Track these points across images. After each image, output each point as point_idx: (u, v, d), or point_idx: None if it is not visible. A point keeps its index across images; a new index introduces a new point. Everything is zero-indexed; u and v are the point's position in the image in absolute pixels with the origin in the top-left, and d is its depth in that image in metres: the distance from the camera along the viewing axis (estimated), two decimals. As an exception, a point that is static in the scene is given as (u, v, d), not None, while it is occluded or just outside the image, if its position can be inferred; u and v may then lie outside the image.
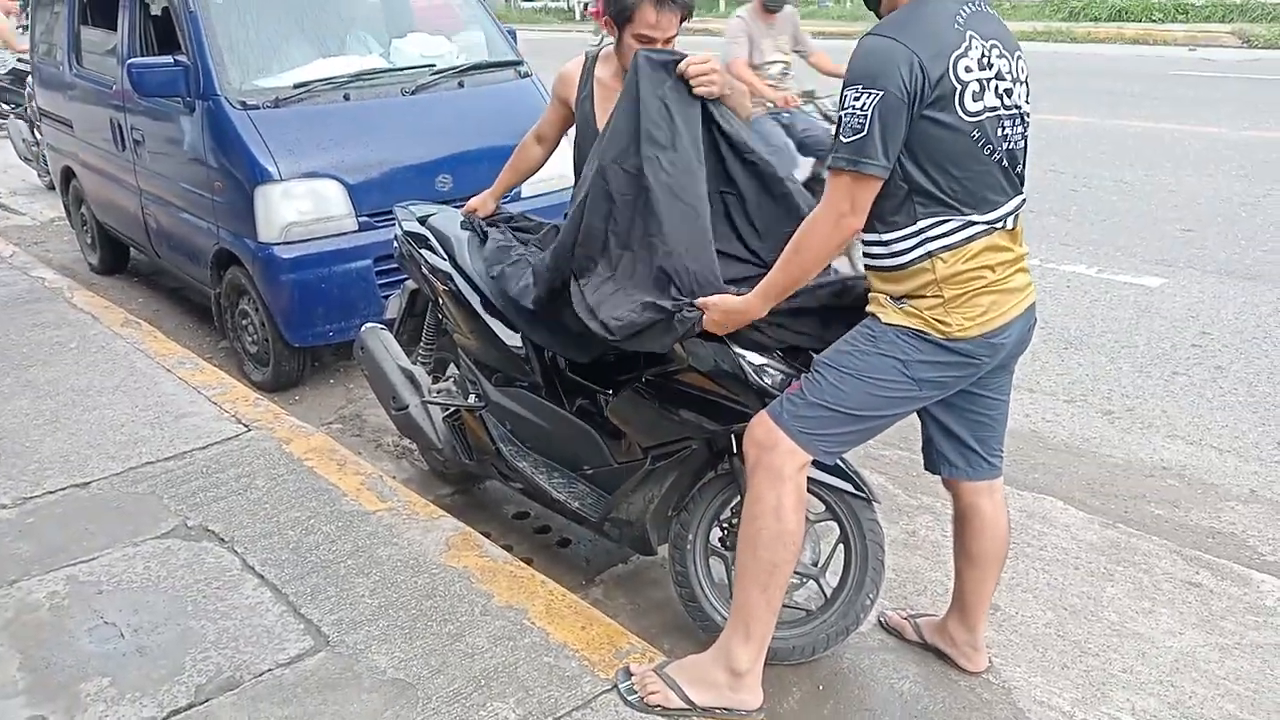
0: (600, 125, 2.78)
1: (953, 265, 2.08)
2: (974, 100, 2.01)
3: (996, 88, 2.04)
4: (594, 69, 2.90)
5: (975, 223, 2.08)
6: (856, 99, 1.97)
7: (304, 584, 2.80)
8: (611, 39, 2.75)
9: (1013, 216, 2.14)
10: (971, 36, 2.01)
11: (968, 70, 1.99)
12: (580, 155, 2.92)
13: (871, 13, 2.18)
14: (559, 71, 2.98)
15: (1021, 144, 2.14)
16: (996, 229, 2.11)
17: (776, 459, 2.18)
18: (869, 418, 2.20)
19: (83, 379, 4.23)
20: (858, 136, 1.97)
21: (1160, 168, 7.91)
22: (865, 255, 2.20)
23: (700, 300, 2.27)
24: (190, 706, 2.35)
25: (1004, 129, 2.07)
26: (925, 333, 2.12)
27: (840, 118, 2.01)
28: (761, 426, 2.22)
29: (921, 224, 2.07)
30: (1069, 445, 3.85)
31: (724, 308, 2.24)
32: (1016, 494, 3.44)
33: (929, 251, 2.08)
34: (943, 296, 2.10)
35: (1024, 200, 2.18)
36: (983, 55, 2.02)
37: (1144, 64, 13.95)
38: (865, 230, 2.13)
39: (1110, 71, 13.18)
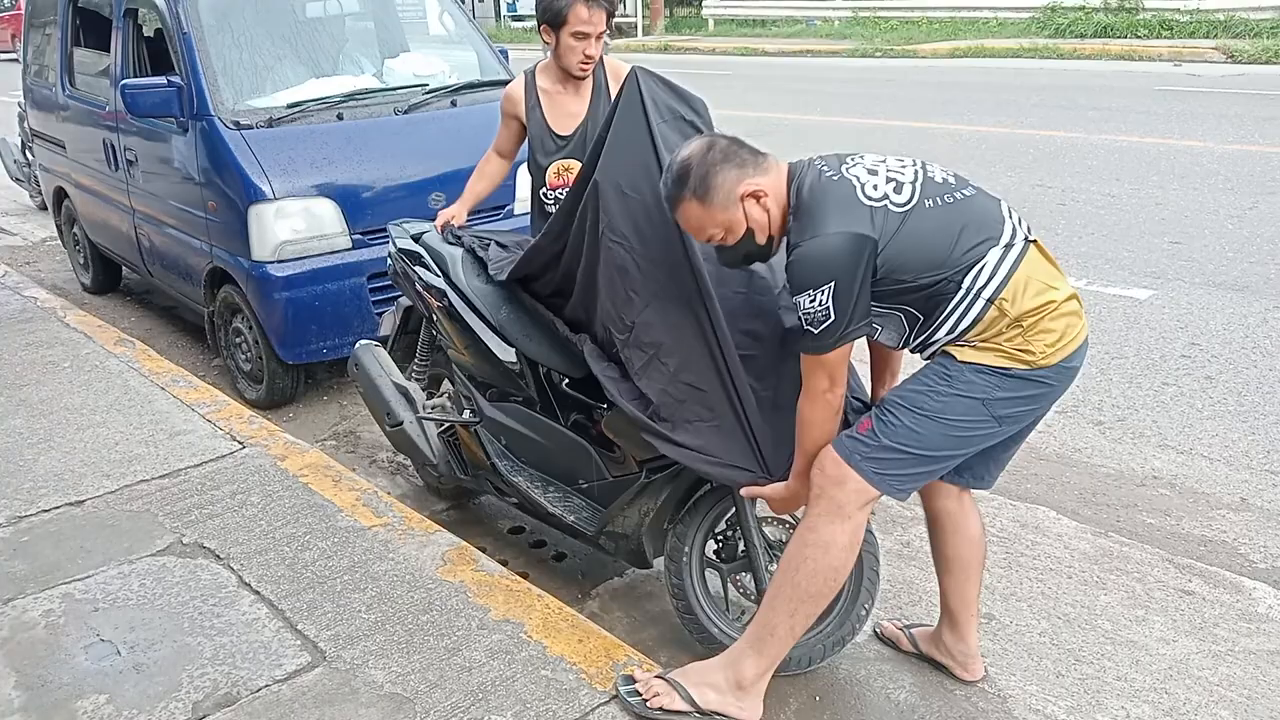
0: (556, 128, 3.16)
1: (1018, 303, 2.07)
2: (897, 193, 2.08)
3: (895, 169, 2.13)
4: (535, 81, 3.22)
5: (1006, 248, 2.08)
6: (811, 301, 2.02)
7: (300, 600, 2.80)
8: (549, 44, 3.07)
9: (1020, 221, 2.16)
10: (847, 169, 2.11)
11: (875, 188, 2.07)
12: (536, 161, 3.23)
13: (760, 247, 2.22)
14: (504, 93, 3.28)
15: (948, 175, 2.19)
16: (1030, 241, 2.13)
17: (841, 495, 2.16)
18: (944, 457, 2.18)
19: (76, 398, 4.24)
20: (827, 324, 2.02)
21: (1147, 181, 7.98)
22: (927, 352, 2.21)
23: (747, 491, 2.38)
24: (187, 723, 2.35)
25: (931, 175, 2.14)
26: (1007, 368, 2.09)
27: (801, 319, 2.06)
28: (830, 461, 2.18)
29: (965, 283, 2.07)
30: (1061, 456, 3.87)
31: (772, 496, 2.34)
32: (1010, 504, 3.46)
33: (988, 299, 2.07)
34: (1022, 326, 2.08)
35: (1002, 200, 2.21)
36: (870, 169, 2.12)
37: (1130, 80, 14.06)
38: (920, 344, 2.19)
39: (1096, 87, 13.27)
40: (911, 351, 2.27)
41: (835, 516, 2.17)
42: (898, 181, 2.10)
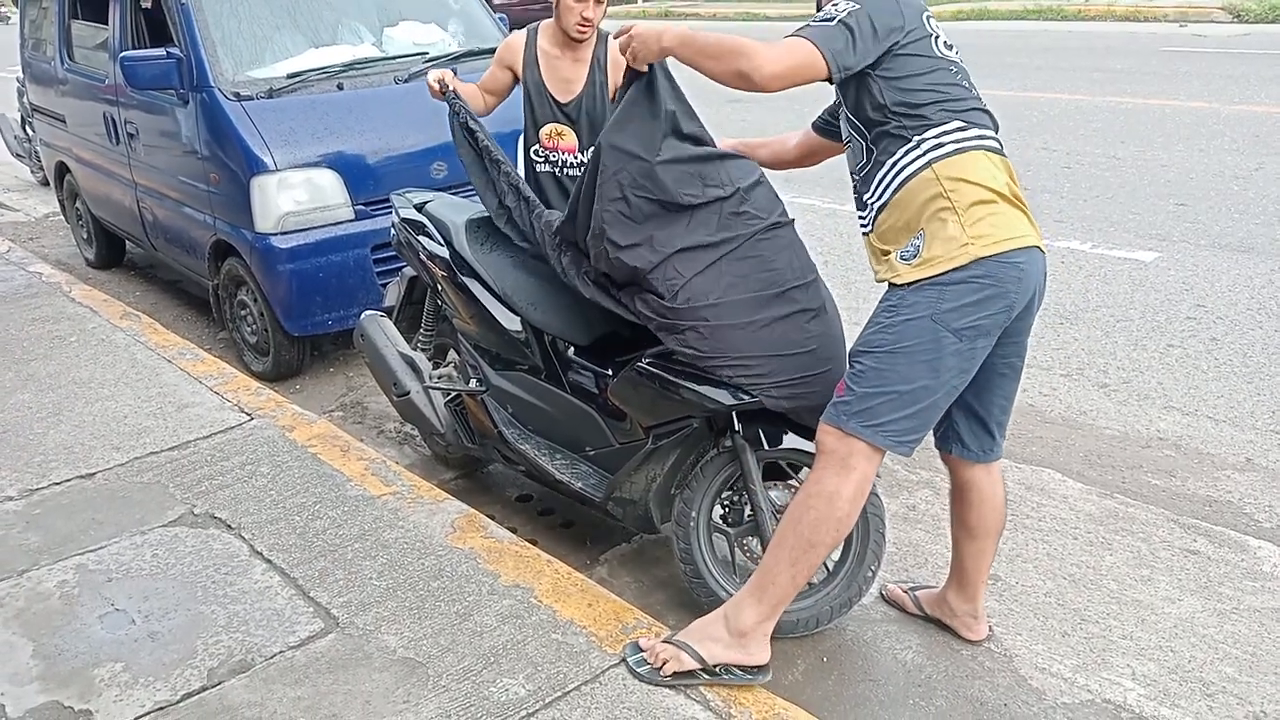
0: (554, 92, 3.26)
1: (953, 167, 2.13)
2: (945, 48, 2.20)
3: (954, 50, 2.25)
4: (536, 40, 3.30)
5: (968, 135, 2.15)
6: (837, 5, 2.14)
7: (312, 568, 2.82)
8: (551, 2, 3.18)
9: (1002, 149, 2.23)
10: (927, 18, 2.23)
11: (936, 25, 2.21)
12: (534, 118, 3.34)
13: None
14: (505, 41, 3.37)
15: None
16: (990, 148, 2.18)
17: (844, 447, 2.17)
18: (924, 389, 2.13)
19: (84, 371, 4.25)
20: (828, 23, 2.10)
21: (1152, 143, 7.93)
22: (873, 202, 2.25)
23: (622, 32, 2.32)
24: (204, 689, 2.38)
25: (969, 80, 2.23)
26: (942, 274, 2.10)
27: (820, 13, 2.17)
28: (830, 435, 2.20)
29: (916, 138, 2.15)
30: (1066, 418, 3.88)
31: (639, 30, 2.28)
32: (1015, 467, 3.47)
33: (928, 160, 2.13)
34: (953, 204, 2.11)
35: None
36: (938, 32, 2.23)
37: (1135, 40, 13.94)
38: (865, 187, 2.25)
39: (1100, 49, 13.16)
40: (860, 217, 2.34)
41: (840, 469, 2.18)
42: (948, 45, 2.24)
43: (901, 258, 2.18)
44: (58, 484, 3.35)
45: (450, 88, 3.10)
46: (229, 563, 2.87)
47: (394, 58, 4.71)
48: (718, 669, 2.34)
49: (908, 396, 2.13)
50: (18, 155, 8.79)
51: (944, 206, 2.12)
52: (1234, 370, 4.18)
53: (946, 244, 2.11)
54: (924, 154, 2.14)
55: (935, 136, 2.14)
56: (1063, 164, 7.46)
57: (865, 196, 2.29)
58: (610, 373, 2.81)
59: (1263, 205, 6.26)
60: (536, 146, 3.36)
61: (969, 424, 2.41)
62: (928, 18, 2.20)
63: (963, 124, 2.16)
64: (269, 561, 2.87)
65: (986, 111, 2.24)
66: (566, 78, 3.28)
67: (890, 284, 2.21)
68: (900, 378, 2.13)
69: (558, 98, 3.28)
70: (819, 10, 2.18)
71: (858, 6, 2.11)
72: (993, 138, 2.21)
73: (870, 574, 2.59)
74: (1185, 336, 4.51)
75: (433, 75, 3.13)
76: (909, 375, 2.12)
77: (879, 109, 2.18)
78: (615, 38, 2.35)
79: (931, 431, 2.46)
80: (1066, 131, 8.46)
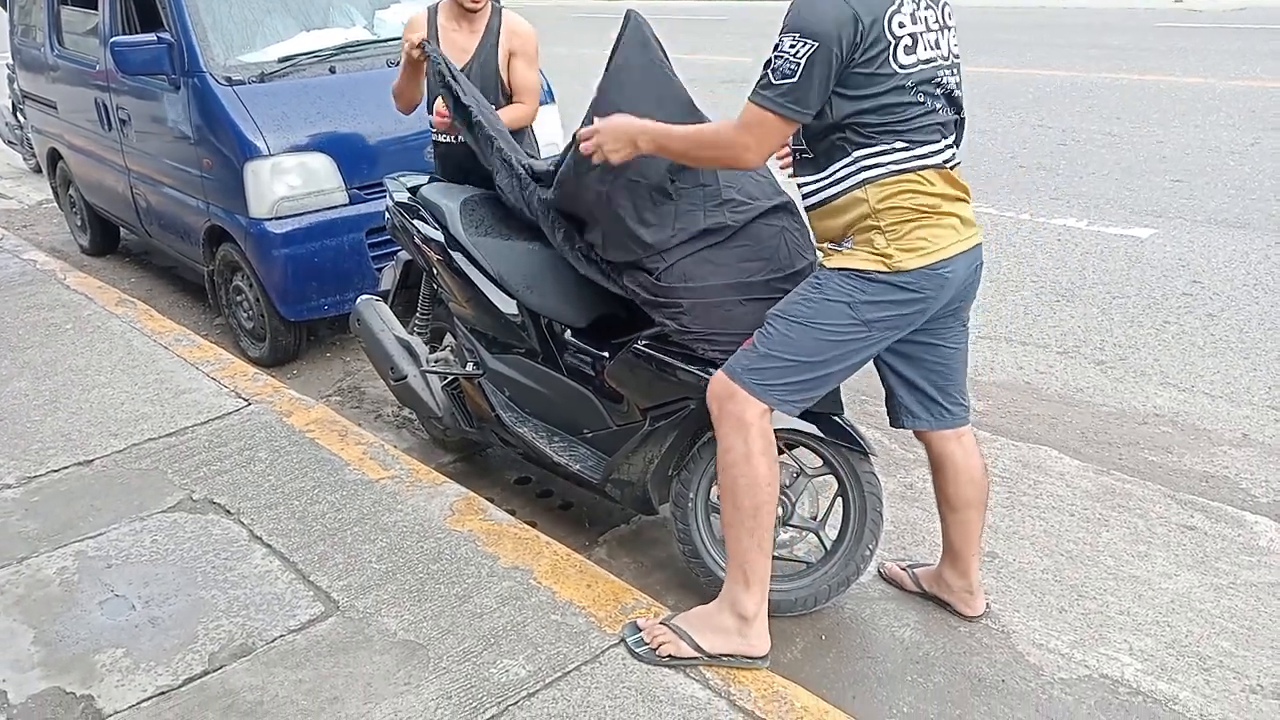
0: (449, 59, 3.26)
1: (885, 192, 2.14)
2: (906, 54, 2.10)
3: (927, 40, 2.14)
4: (437, 17, 3.47)
5: (908, 156, 2.14)
6: (791, 46, 2.04)
7: (311, 552, 2.83)
8: None
9: (949, 162, 2.20)
10: (890, 15, 2.08)
11: (901, 26, 2.09)
12: (430, 91, 3.37)
13: None
14: (408, 22, 3.52)
15: (956, 89, 2.22)
16: (930, 166, 2.16)
17: (735, 408, 2.24)
18: (821, 363, 2.23)
19: (80, 359, 4.25)
20: (787, 81, 2.05)
21: (1148, 119, 7.92)
22: (805, 195, 2.28)
23: (584, 131, 2.35)
24: (205, 674, 2.38)
25: (939, 77, 2.16)
26: (868, 271, 2.17)
27: (770, 59, 2.08)
28: (718, 382, 2.28)
29: (856, 154, 2.15)
30: (1063, 396, 3.89)
31: (612, 123, 2.29)
32: (1012, 445, 3.48)
33: (863, 180, 2.14)
34: (879, 225, 2.15)
35: (958, 148, 2.25)
36: (914, 10, 2.11)
37: (1131, 16, 13.89)
38: (803, 171, 2.26)
39: (1096, 25, 13.11)
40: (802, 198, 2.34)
41: (739, 428, 2.24)
42: (912, 46, 2.10)
43: (835, 244, 2.25)
44: (56, 471, 3.35)
45: (427, 41, 3.16)
46: (228, 548, 2.88)
47: (386, 40, 4.68)
48: (717, 657, 2.35)
49: (804, 366, 2.23)
50: (9, 142, 8.74)
51: (872, 226, 2.17)
52: (1230, 346, 4.18)
53: (873, 254, 2.18)
54: (858, 171, 2.15)
55: (873, 156, 2.14)
56: (1058, 141, 7.44)
57: (801, 180, 2.30)
58: (607, 355, 2.81)
59: (1259, 180, 6.26)
60: (431, 118, 3.41)
61: (910, 394, 2.46)
62: (891, 15, 2.05)
63: (905, 144, 2.14)
64: (269, 546, 2.87)
65: (940, 124, 2.17)
66: (463, 47, 3.43)
67: (820, 264, 2.30)
68: (804, 350, 2.22)
69: (453, 65, 3.36)
70: (774, 52, 2.08)
71: (811, 45, 2.01)
72: (937, 152, 2.17)
73: (868, 552, 2.60)
74: (1181, 313, 4.51)
75: (408, 44, 3.20)
76: (813, 350, 2.22)
77: (826, 124, 2.15)
78: (580, 140, 2.37)
79: (888, 415, 2.55)
80: (1062, 108, 8.44)
